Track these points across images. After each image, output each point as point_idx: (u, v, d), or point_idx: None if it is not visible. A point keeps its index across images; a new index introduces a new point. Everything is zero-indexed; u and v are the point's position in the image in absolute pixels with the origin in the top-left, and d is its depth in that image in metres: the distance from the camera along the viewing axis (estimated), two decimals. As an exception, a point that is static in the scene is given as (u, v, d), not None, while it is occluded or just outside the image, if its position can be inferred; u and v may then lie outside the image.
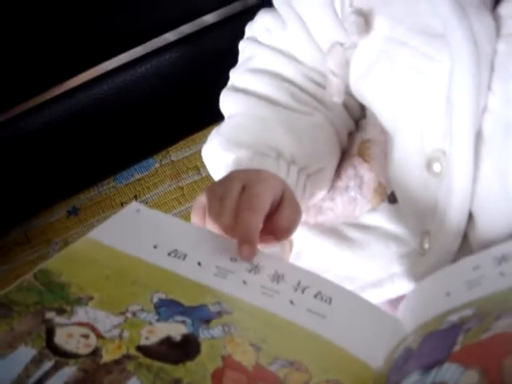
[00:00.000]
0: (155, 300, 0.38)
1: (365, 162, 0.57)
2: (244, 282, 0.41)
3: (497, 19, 0.43)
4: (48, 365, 0.31)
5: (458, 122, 0.43)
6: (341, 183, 0.58)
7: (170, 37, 0.91)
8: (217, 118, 0.79)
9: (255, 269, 0.42)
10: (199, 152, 1.03)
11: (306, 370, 0.35)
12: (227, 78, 0.61)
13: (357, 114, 0.60)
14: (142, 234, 0.44)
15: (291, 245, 0.61)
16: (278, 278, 0.42)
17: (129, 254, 0.40)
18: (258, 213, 0.44)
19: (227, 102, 0.58)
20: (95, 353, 0.32)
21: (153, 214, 0.45)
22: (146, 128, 0.99)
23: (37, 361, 0.30)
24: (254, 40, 0.58)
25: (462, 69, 0.42)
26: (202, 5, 0.90)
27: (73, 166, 0.99)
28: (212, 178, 0.59)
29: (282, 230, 0.46)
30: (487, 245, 0.44)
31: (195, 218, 0.47)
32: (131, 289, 0.38)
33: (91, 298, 0.36)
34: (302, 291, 0.41)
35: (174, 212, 1.03)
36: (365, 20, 0.48)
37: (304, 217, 0.59)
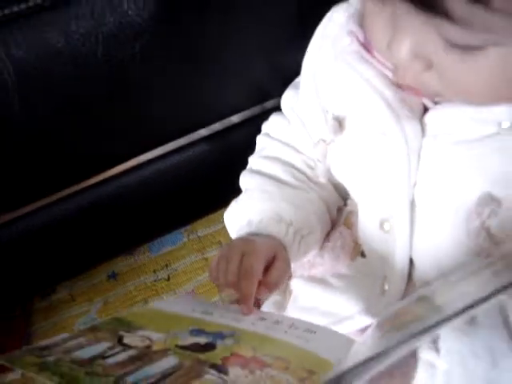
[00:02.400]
0: (190, 329, 0.51)
1: (348, 229, 0.71)
2: (252, 324, 0.53)
3: (422, 125, 0.55)
4: (117, 349, 0.46)
5: (397, 194, 0.57)
6: (329, 245, 0.71)
7: (202, 132, 1.03)
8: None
9: (261, 318, 0.55)
10: (222, 229, 1.18)
11: (287, 361, 0.46)
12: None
13: (344, 193, 0.72)
14: (182, 304, 0.58)
15: (290, 293, 0.74)
16: (277, 322, 0.54)
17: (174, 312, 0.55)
18: (252, 280, 0.56)
19: (245, 180, 0.72)
20: (149, 347, 0.47)
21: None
22: (177, 207, 1.12)
23: (110, 347, 0.45)
24: (267, 135, 0.73)
25: (398, 158, 0.56)
26: (228, 107, 0.99)
27: (112, 237, 1.12)
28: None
29: (271, 285, 0.59)
30: (426, 284, 0.59)
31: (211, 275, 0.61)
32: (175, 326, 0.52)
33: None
34: (295, 328, 0.53)
35: (198, 278, 1.15)
36: (339, 123, 0.61)
37: (301, 270, 0.73)
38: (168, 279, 1.17)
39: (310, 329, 0.52)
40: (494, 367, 0.45)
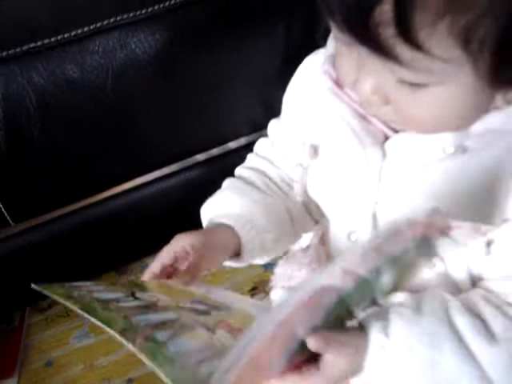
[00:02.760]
0: (192, 300, 0.59)
1: (322, 246, 0.79)
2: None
3: (383, 150, 0.62)
4: (130, 299, 0.54)
5: (361, 209, 0.64)
6: (306, 260, 0.80)
7: (200, 157, 1.11)
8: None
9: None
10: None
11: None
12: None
13: (316, 215, 0.78)
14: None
15: (270, 304, 0.84)
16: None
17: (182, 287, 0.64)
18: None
19: (226, 181, 0.78)
20: (155, 303, 0.55)
21: None
22: (171, 229, 1.21)
23: (124, 297, 0.54)
24: (255, 153, 0.81)
25: (362, 178, 0.63)
26: (227, 134, 1.09)
27: (106, 255, 1.19)
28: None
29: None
30: None
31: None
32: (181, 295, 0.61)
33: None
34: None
35: None
36: (314, 150, 0.68)
37: (282, 282, 0.81)
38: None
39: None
40: (437, 350, 0.54)
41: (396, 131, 0.62)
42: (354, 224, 0.67)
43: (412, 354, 0.54)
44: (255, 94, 1.02)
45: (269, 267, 1.22)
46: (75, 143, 0.92)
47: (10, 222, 0.98)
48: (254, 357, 0.45)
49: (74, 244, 1.12)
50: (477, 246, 0.58)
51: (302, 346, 0.50)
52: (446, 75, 0.51)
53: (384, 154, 0.63)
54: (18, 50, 0.78)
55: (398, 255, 0.53)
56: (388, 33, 0.47)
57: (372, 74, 0.54)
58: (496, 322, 0.55)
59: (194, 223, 1.16)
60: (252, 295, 1.20)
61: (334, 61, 0.63)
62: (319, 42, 0.69)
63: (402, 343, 0.55)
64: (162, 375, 0.42)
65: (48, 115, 0.85)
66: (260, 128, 1.05)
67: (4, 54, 0.78)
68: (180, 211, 1.13)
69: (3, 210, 0.95)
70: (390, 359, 0.55)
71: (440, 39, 0.47)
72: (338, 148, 0.67)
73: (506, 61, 0.49)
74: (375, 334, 0.55)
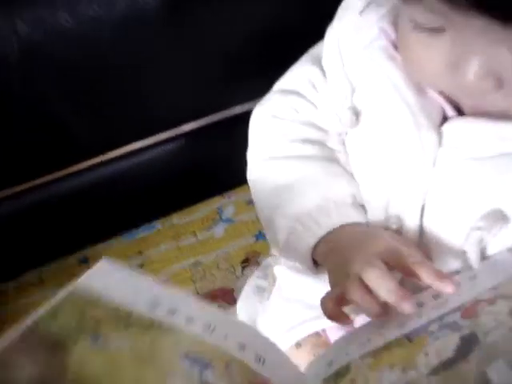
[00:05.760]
0: None
1: None
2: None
3: (441, 134, 0.54)
4: None
5: (409, 198, 0.56)
6: None
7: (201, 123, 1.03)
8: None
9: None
10: (197, 220, 1.19)
11: None
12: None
13: None
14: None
15: (274, 279, 0.73)
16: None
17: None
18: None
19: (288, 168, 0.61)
20: None
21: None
22: (152, 199, 1.13)
23: None
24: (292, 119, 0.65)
25: (413, 163, 0.55)
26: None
27: (87, 225, 1.13)
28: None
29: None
30: None
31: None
32: None
33: None
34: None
35: (173, 267, 1.14)
36: (356, 116, 0.58)
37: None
38: (141, 266, 1.16)
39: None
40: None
41: (460, 112, 0.54)
42: (396, 210, 0.58)
43: None
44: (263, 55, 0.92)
45: (260, 237, 1.16)
46: (60, 99, 0.81)
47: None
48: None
49: (63, 212, 1.06)
50: None
51: None
52: None
53: (440, 140, 0.54)
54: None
55: None
56: None
57: (480, 53, 0.45)
58: None
59: (176, 194, 1.14)
60: (244, 267, 1.13)
61: (394, 20, 0.55)
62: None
63: None
64: None
65: (31, 67, 0.74)
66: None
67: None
68: (162, 183, 1.10)
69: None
70: None
71: None
72: (386, 121, 0.57)
73: None
74: None
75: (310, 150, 0.62)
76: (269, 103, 0.67)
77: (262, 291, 0.80)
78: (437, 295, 0.48)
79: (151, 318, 0.43)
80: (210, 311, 0.47)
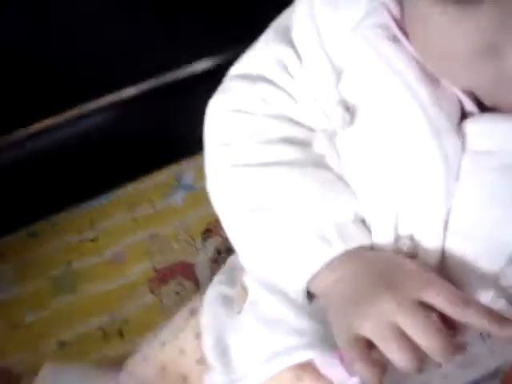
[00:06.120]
0: None
1: None
2: None
3: (462, 136, 0.45)
4: None
5: (428, 216, 0.46)
6: None
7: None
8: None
9: None
10: (153, 188, 1.11)
11: None
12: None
13: None
14: None
15: (245, 291, 0.60)
16: None
17: None
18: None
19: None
20: None
21: None
22: (103, 169, 1.07)
23: None
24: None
25: (433, 177, 0.45)
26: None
27: (33, 199, 1.06)
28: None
29: None
30: None
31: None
32: None
33: None
34: None
35: (128, 239, 1.07)
36: (351, 114, 0.47)
37: None
38: (94, 240, 1.08)
39: None
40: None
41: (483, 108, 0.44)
42: (409, 229, 0.48)
43: None
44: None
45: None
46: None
47: None
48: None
49: (8, 186, 1.00)
50: None
51: None
52: None
53: (463, 144, 0.45)
54: None
55: None
56: None
57: None
58: None
59: (131, 163, 1.07)
60: (204, 238, 1.05)
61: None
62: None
63: None
64: None
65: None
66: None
67: None
68: (114, 151, 1.04)
69: None
70: None
71: None
72: (390, 121, 0.47)
73: None
74: None
75: (291, 152, 0.50)
76: (228, 94, 0.54)
77: (228, 302, 0.63)
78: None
79: None
80: None
